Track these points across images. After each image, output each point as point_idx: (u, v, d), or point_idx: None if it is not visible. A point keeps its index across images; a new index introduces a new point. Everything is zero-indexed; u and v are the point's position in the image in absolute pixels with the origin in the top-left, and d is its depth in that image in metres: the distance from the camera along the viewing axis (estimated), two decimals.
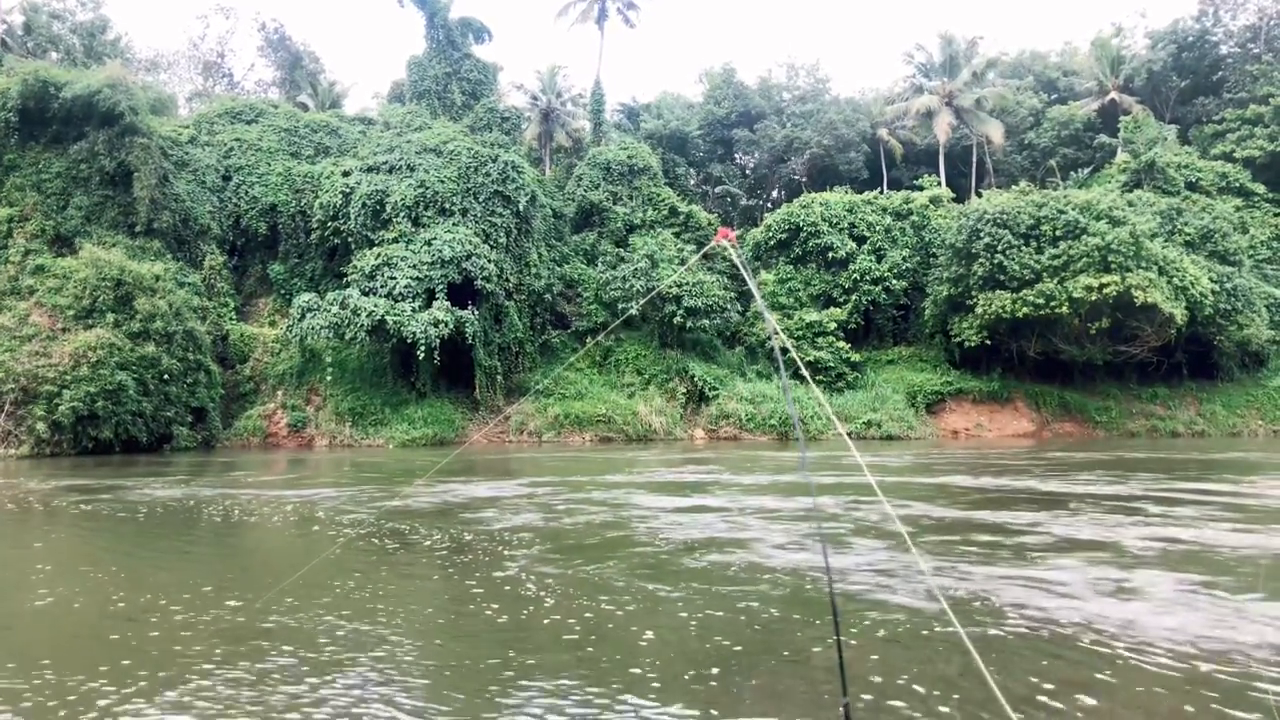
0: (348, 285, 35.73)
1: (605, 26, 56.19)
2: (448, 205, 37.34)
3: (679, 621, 6.07)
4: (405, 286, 34.65)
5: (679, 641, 5.59)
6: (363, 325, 33.47)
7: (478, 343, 35.75)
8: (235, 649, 5.43)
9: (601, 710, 4.29)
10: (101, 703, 4.50)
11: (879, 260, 44.04)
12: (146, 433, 30.38)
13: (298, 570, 7.86)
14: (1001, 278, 37.55)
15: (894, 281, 43.55)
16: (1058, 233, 37.11)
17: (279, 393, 36.83)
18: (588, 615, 6.18)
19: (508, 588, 7.17)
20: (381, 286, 34.90)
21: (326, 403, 36.42)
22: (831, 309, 42.91)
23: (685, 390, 39.54)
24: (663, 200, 47.77)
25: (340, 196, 38.03)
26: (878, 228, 44.83)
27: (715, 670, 4.92)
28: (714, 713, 4.26)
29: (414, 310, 34.03)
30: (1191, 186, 46.31)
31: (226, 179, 41.35)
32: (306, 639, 5.63)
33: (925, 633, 5.75)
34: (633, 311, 38.33)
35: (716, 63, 71.72)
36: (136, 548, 10.23)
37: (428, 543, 9.71)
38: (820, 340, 41.55)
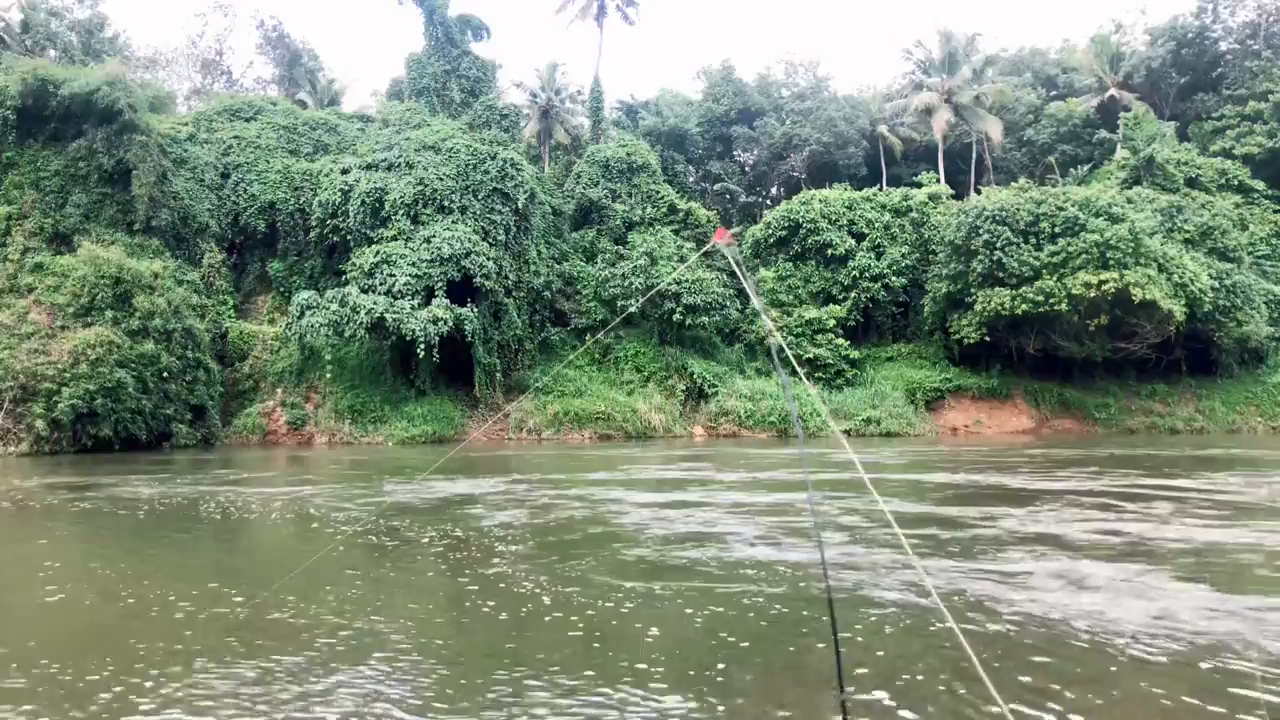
0: (347, 283, 35.74)
1: (604, 23, 56.37)
2: (447, 203, 37.33)
3: (680, 618, 6.07)
4: (404, 284, 34.65)
5: (682, 638, 5.60)
6: (362, 323, 33.48)
7: (477, 340, 35.75)
8: (242, 645, 5.46)
9: (617, 707, 4.29)
10: (105, 697, 4.52)
11: (878, 257, 44.04)
12: (146, 430, 30.39)
13: (300, 567, 7.87)
14: (1000, 274, 37.55)
15: (893, 278, 43.55)
16: (1057, 229, 37.10)
17: (278, 390, 36.85)
18: (590, 613, 6.18)
19: (502, 585, 7.18)
20: (381, 284, 34.90)
21: (326, 400, 36.44)
22: (831, 306, 42.91)
23: (684, 387, 39.55)
24: (662, 198, 47.76)
25: (339, 194, 38.03)
26: (877, 225, 44.84)
27: (720, 666, 4.92)
28: (720, 709, 4.26)
29: (413, 308, 34.03)
30: (1191, 183, 46.30)
31: (225, 176, 41.34)
32: (310, 636, 5.65)
33: (915, 626, 5.78)
34: (633, 309, 38.35)
35: (715, 60, 71.82)
36: (141, 545, 10.25)
37: (425, 540, 9.71)
38: (819, 337, 41.55)
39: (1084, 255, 36.03)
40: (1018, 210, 37.90)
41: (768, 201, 62.59)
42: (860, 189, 48.03)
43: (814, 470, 18.43)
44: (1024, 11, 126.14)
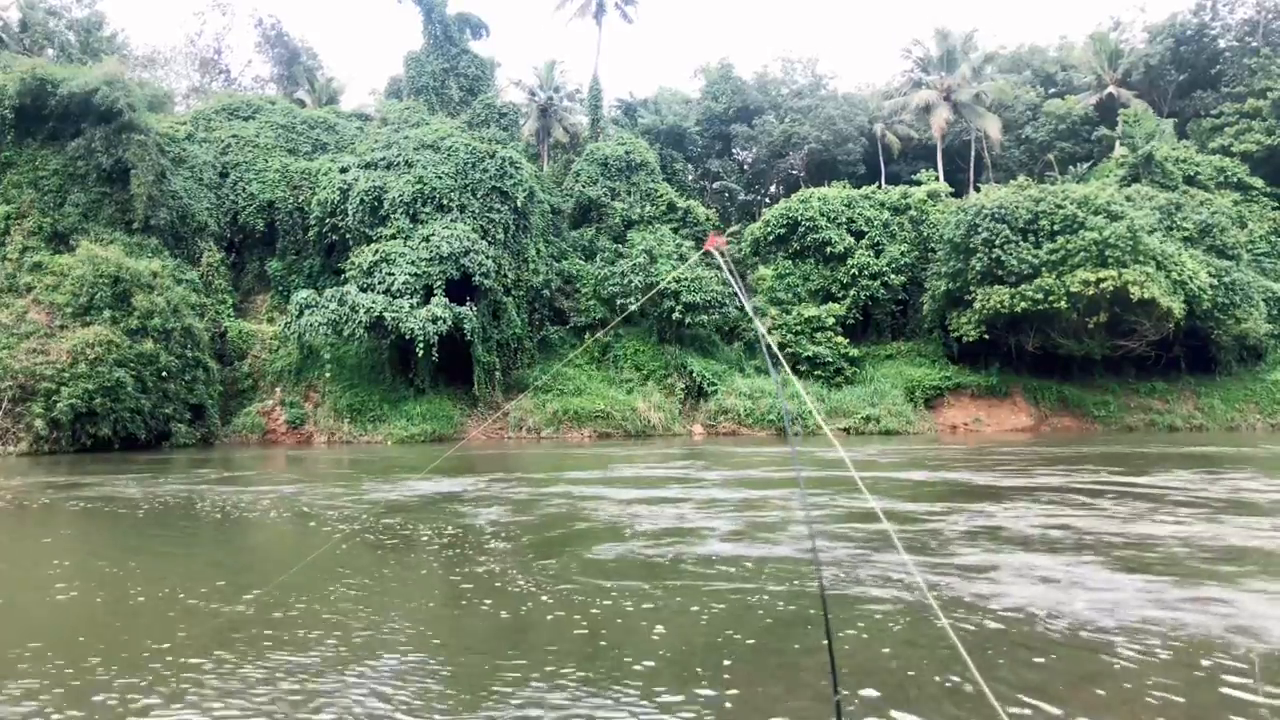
0: (346, 282, 35.73)
1: (603, 21, 56.23)
2: (446, 201, 37.32)
3: (678, 617, 6.08)
4: (403, 283, 34.64)
5: (679, 638, 5.60)
6: (361, 322, 33.48)
7: (476, 339, 35.76)
8: (250, 643, 5.50)
9: (619, 706, 4.31)
10: (119, 691, 4.56)
11: (877, 255, 44.05)
12: (145, 430, 30.39)
13: (301, 565, 7.90)
14: (999, 272, 37.57)
15: (892, 276, 43.55)
16: (1055, 227, 37.12)
17: (277, 389, 36.86)
18: (594, 611, 6.19)
19: (498, 584, 7.18)
20: (380, 283, 34.90)
21: (325, 399, 36.45)
22: (830, 304, 42.91)
23: (684, 386, 39.56)
24: (661, 196, 47.75)
25: (338, 193, 38.02)
26: (876, 223, 44.86)
27: (726, 663, 4.94)
28: (713, 710, 4.27)
29: (412, 307, 34.03)
30: (1190, 181, 46.31)
31: (224, 175, 41.33)
32: (314, 634, 5.68)
33: (905, 623, 5.80)
34: (632, 309, 38.34)
35: (714, 58, 71.56)
36: (146, 544, 10.29)
37: (424, 538, 9.74)
38: (819, 335, 41.57)
39: (1083, 253, 36.05)
40: (1017, 208, 37.91)
41: (767, 199, 62.57)
42: (859, 187, 48.03)
43: (792, 468, 18.45)
44: (1023, 9, 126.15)
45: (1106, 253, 35.80)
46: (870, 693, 4.41)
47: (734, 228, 52.94)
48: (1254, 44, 56.22)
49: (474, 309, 35.57)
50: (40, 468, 22.78)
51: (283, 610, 6.33)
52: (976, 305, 38.14)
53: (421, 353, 33.64)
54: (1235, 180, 47.89)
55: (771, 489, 14.66)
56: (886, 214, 45.24)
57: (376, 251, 35.78)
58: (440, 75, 47.97)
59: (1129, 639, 5.37)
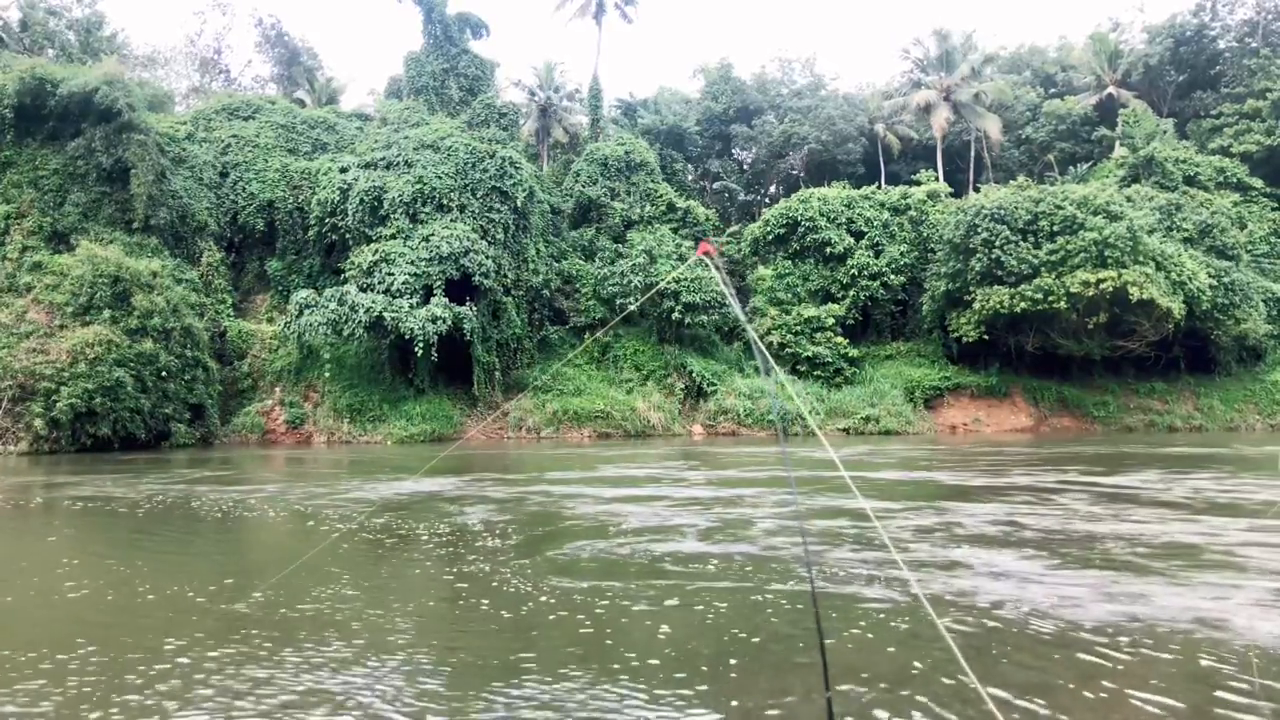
0: (345, 282, 35.74)
1: (603, 21, 56.22)
2: (445, 201, 37.33)
3: (677, 617, 6.10)
4: (403, 283, 34.65)
5: (687, 636, 5.62)
6: (361, 322, 33.49)
7: (476, 339, 35.77)
8: (258, 641, 5.56)
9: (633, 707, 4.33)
10: (141, 682, 4.60)
11: (877, 255, 44.07)
12: (144, 429, 30.39)
13: (296, 565, 7.92)
14: (999, 273, 37.59)
15: (892, 277, 43.57)
16: (1055, 228, 37.14)
17: (277, 389, 36.86)
18: (598, 611, 6.21)
19: (494, 583, 7.20)
20: (379, 283, 34.91)
21: (324, 399, 36.45)
22: (830, 304, 42.92)
23: (683, 386, 39.57)
24: (660, 196, 47.76)
25: (338, 193, 38.01)
26: (876, 223, 44.88)
27: (718, 666, 4.95)
28: (708, 711, 4.29)
29: (412, 306, 34.03)
30: (1189, 181, 46.34)
31: (224, 175, 41.34)
32: (321, 633, 5.72)
33: (894, 621, 5.83)
34: (631, 309, 38.34)
35: (714, 58, 71.58)
36: (151, 542, 10.35)
37: (420, 537, 9.77)
38: (818, 336, 41.59)
39: (1082, 253, 36.07)
40: (1016, 209, 37.93)
41: (766, 200, 62.56)
42: (859, 187, 48.05)
43: (782, 469, 18.48)
44: (1022, 10, 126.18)
45: (1106, 253, 35.82)
46: (863, 690, 4.42)
47: (734, 228, 52.96)
48: (1253, 45, 56.23)
49: (474, 309, 35.58)
50: (40, 467, 22.81)
51: (288, 609, 6.36)
52: (976, 305, 38.16)
53: (421, 353, 33.64)
54: (1235, 181, 47.93)
55: (759, 489, 14.67)
56: (886, 214, 45.26)
57: (376, 251, 35.79)
58: (440, 75, 47.97)
59: (1095, 633, 5.51)
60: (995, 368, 41.45)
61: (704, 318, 40.19)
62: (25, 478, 19.60)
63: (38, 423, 27.91)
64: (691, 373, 39.72)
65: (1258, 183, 48.23)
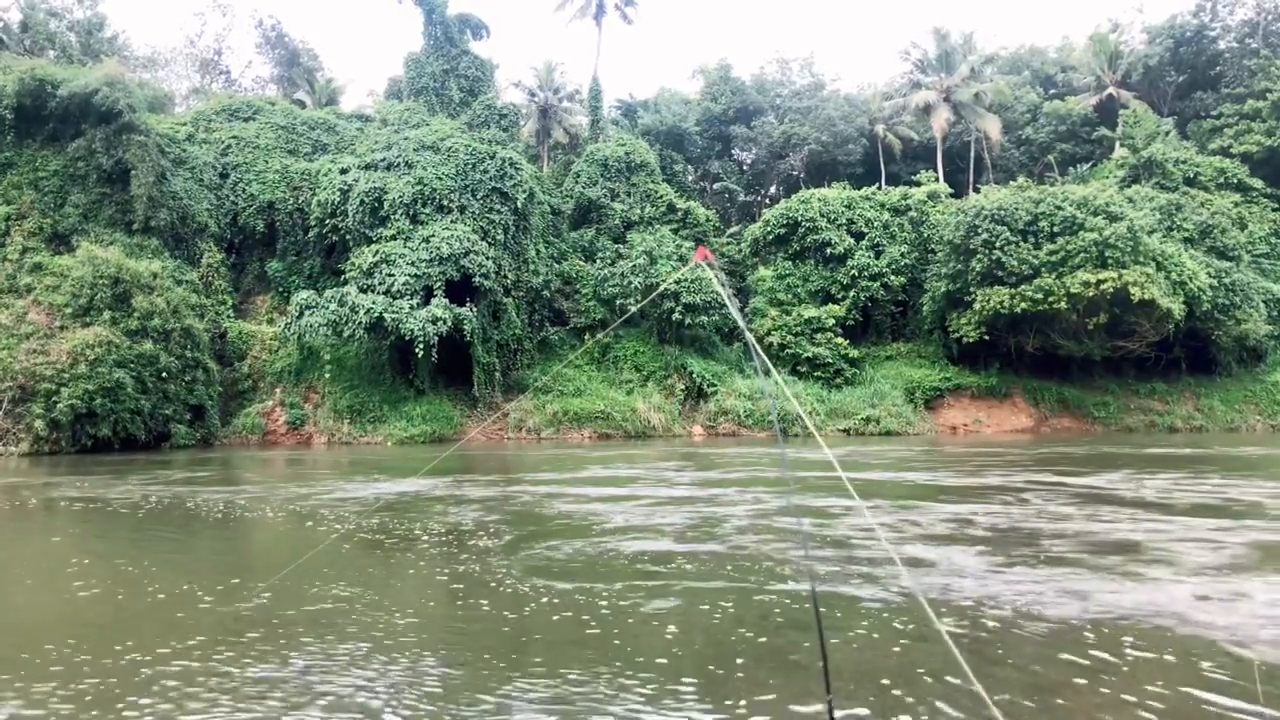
0: (346, 283, 35.75)
1: (603, 22, 56.33)
2: (446, 202, 37.34)
3: (679, 617, 6.10)
4: (403, 284, 34.66)
5: (687, 637, 5.62)
6: (361, 323, 33.49)
7: (476, 340, 35.77)
8: (269, 639, 5.61)
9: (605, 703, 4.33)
10: (153, 680, 4.63)
11: (877, 256, 44.06)
12: (145, 430, 30.40)
13: (293, 566, 7.94)
14: (999, 273, 37.58)
15: (892, 277, 43.56)
16: (1055, 228, 37.14)
17: (277, 390, 36.86)
18: (603, 611, 6.20)
19: (493, 583, 7.20)
20: (380, 284, 34.91)
21: (325, 400, 36.45)
22: (830, 305, 42.92)
23: (684, 387, 39.56)
24: (661, 197, 47.76)
25: (338, 194, 38.02)
26: (876, 224, 44.86)
27: (725, 666, 4.95)
28: (706, 707, 4.28)
29: (412, 307, 34.04)
30: (1190, 182, 46.32)
31: (224, 176, 41.35)
32: (324, 630, 5.74)
33: (889, 622, 5.84)
34: (633, 311, 38.32)
35: (713, 59, 71.66)
36: (156, 542, 10.39)
37: (417, 537, 9.79)
38: (819, 336, 41.58)
39: (1083, 254, 36.06)
40: (1016, 209, 37.93)
41: (767, 200, 62.56)
42: (859, 188, 48.04)
43: (763, 469, 18.46)
44: (1022, 10, 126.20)
45: (1106, 254, 35.82)
46: (862, 690, 4.42)
47: (734, 228, 52.98)
48: (1254, 45, 56.22)
49: (474, 310, 35.58)
50: (41, 468, 22.82)
51: (294, 609, 6.38)
52: (976, 306, 38.15)
53: (421, 353, 33.65)
54: (1235, 181, 47.91)
55: (751, 489, 14.69)
56: (886, 215, 45.24)
57: (376, 252, 35.79)
58: (440, 76, 48.00)
59: (1068, 629, 5.63)
60: (996, 368, 41.43)
61: (704, 319, 40.17)
62: (27, 478, 19.61)
63: (38, 424, 27.92)
64: (692, 374, 39.71)
65: (1258, 183, 48.21)
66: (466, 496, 14.11)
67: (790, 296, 43.22)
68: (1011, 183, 44.32)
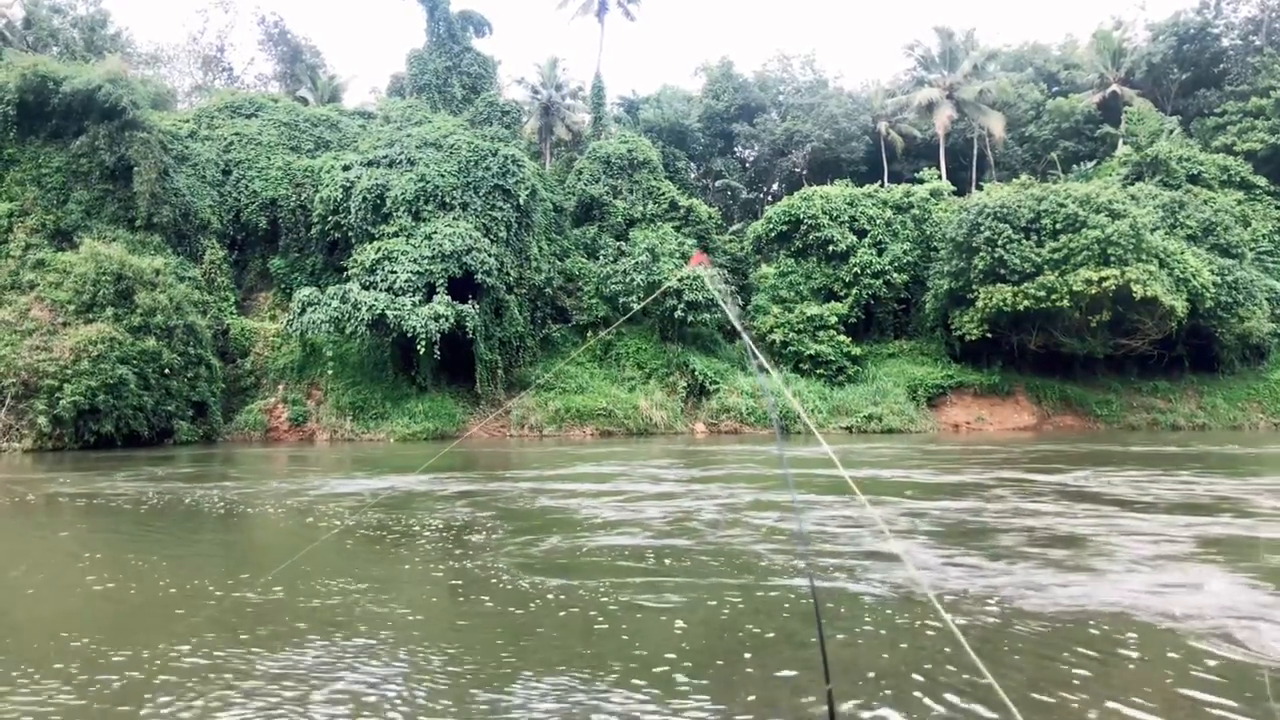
0: (348, 279, 35.76)
1: (605, 19, 56.28)
2: (448, 199, 37.34)
3: (681, 612, 6.10)
4: (406, 281, 34.67)
5: (689, 632, 5.62)
6: (363, 319, 33.50)
7: (478, 337, 35.78)
8: (271, 633, 5.63)
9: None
10: (165, 674, 4.68)
11: (880, 254, 44.01)
12: (148, 427, 30.45)
13: (309, 558, 7.99)
14: (1002, 271, 37.55)
15: (895, 275, 43.52)
16: (1058, 226, 37.09)
17: (280, 387, 36.90)
18: (610, 607, 6.21)
19: (494, 581, 7.20)
20: (382, 281, 34.92)
21: (327, 397, 36.49)
22: (832, 303, 42.89)
23: (686, 384, 39.56)
24: (663, 194, 47.73)
25: (340, 191, 38.03)
26: (878, 221, 44.79)
27: (717, 663, 4.95)
28: (710, 700, 4.29)
29: (414, 304, 34.05)
30: (1193, 179, 46.22)
31: (226, 173, 41.37)
32: (331, 625, 5.76)
33: (890, 614, 5.85)
34: (636, 310, 38.28)
35: (716, 56, 71.68)
36: (163, 537, 10.45)
37: (417, 532, 9.80)
38: (821, 334, 41.55)
39: (1085, 251, 36.02)
40: (1019, 207, 37.90)
41: (769, 198, 62.52)
42: (862, 185, 47.97)
43: (756, 467, 18.48)
44: (1025, 8, 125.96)
45: (1109, 251, 35.77)
46: (861, 683, 4.43)
47: (736, 226, 52.97)
48: (1257, 42, 56.14)
49: (476, 307, 35.59)
50: (45, 464, 22.86)
51: (302, 603, 6.40)
52: (979, 304, 38.12)
53: (423, 350, 33.67)
54: (1239, 179, 47.80)
55: (746, 487, 14.71)
56: (889, 212, 45.17)
57: (379, 249, 35.80)
58: (443, 73, 47.98)
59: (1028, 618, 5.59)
60: (998, 366, 41.40)
61: (706, 316, 40.14)
62: (31, 474, 19.65)
63: (41, 420, 27.97)
64: (694, 371, 39.71)
65: (1261, 181, 48.11)
66: (466, 493, 14.14)
67: (793, 294, 43.19)
68: (1014, 180, 44.27)
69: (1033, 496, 12.73)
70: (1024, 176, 45.37)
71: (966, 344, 40.39)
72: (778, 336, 41.37)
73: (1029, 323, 38.37)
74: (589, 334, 41.11)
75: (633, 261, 41.24)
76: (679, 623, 5.84)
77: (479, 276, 35.88)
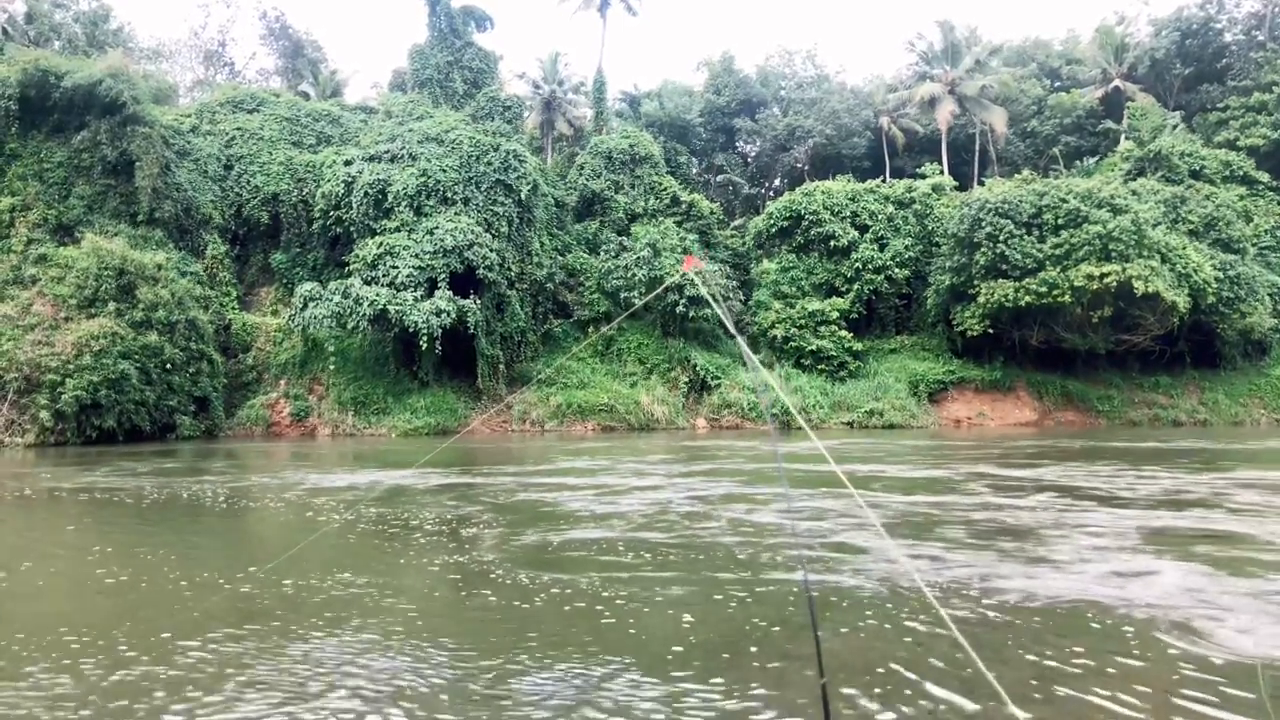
0: (350, 275, 35.80)
1: (607, 14, 56.19)
2: (450, 194, 37.35)
3: (683, 605, 6.13)
4: (407, 276, 34.70)
5: (693, 625, 5.65)
6: (365, 315, 33.54)
7: (480, 332, 35.81)
8: (281, 626, 5.67)
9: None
10: (175, 667, 4.68)
11: (881, 249, 44.00)
12: (150, 422, 30.51)
13: (313, 552, 8.03)
14: (1004, 267, 37.53)
15: (896, 270, 43.51)
16: (1059, 221, 37.07)
17: (281, 382, 36.96)
18: (617, 601, 6.22)
19: (493, 575, 7.23)
20: (384, 276, 34.96)
21: (329, 392, 36.53)
22: (834, 298, 42.90)
23: (687, 379, 39.60)
24: (665, 189, 47.71)
25: (342, 186, 38.04)
26: (880, 216, 44.76)
27: (702, 654, 4.98)
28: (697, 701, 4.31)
29: (416, 299, 34.08)
30: (1195, 174, 46.16)
31: (228, 168, 41.38)
32: (336, 620, 5.78)
33: (883, 609, 5.85)
34: (638, 306, 38.31)
35: (718, 50, 71.51)
36: (171, 531, 10.45)
37: (420, 527, 9.82)
38: (822, 329, 41.56)
39: (1087, 247, 36.00)
40: (1020, 202, 37.88)
41: (771, 193, 62.51)
42: (863, 180, 47.96)
43: (750, 463, 18.48)
44: (1028, 3, 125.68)
45: (1110, 246, 35.75)
46: (856, 677, 4.45)
47: (738, 221, 52.95)
48: (1260, 38, 56.03)
49: (478, 302, 35.61)
50: (48, 459, 22.90)
51: (307, 598, 6.42)
52: (980, 299, 38.12)
53: (425, 346, 33.72)
54: (1241, 174, 47.72)
55: (744, 482, 14.76)
56: (891, 208, 45.14)
57: (380, 244, 35.83)
58: (444, 68, 47.95)
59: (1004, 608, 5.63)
60: (999, 362, 41.40)
61: (708, 311, 40.15)
62: (34, 469, 19.70)
63: (43, 415, 28.01)
64: (695, 366, 39.74)
65: (1264, 176, 48.03)
66: (466, 486, 14.16)
67: (794, 289, 43.20)
68: (1016, 176, 44.24)
69: (1005, 491, 12.81)
70: (1026, 172, 45.38)
71: (968, 339, 40.39)
72: (779, 332, 41.39)
73: (1030, 318, 38.36)
74: (591, 329, 41.14)
75: (634, 257, 41.25)
76: (686, 616, 5.86)
77: (480, 272, 35.90)
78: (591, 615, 5.88)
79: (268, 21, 63.62)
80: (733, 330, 5.06)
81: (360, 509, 11.53)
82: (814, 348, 41.05)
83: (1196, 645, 4.99)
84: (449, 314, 33.98)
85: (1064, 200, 37.32)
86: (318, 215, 39.04)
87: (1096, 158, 54.93)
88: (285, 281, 40.72)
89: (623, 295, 40.74)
